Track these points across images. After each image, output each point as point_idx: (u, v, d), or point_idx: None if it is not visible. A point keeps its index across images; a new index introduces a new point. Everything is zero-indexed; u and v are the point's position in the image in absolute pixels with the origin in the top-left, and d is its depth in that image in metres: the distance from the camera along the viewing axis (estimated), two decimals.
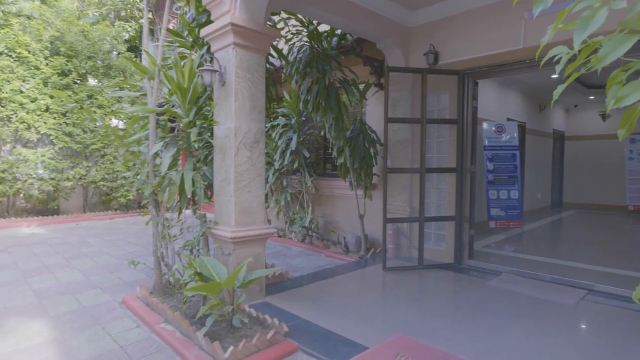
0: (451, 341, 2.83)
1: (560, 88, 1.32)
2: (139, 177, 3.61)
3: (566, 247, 6.06)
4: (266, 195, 6.55)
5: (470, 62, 4.73)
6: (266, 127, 6.34)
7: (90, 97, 9.13)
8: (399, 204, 5.33)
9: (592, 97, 10.07)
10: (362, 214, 5.50)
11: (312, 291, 3.92)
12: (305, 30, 4.88)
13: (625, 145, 9.87)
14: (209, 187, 3.81)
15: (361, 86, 5.41)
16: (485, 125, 6.87)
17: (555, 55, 1.31)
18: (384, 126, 4.58)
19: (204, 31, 3.49)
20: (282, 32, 4.90)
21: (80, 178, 8.89)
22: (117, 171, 9.26)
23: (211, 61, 3.45)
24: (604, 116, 10.57)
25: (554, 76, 7.86)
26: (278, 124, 6.41)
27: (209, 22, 3.74)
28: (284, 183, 6.49)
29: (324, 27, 5.15)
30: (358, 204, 5.50)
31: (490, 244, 6.04)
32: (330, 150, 5.50)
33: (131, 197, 9.65)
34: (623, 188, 10.09)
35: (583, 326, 3.19)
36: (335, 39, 5.15)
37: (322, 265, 5.07)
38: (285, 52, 5.01)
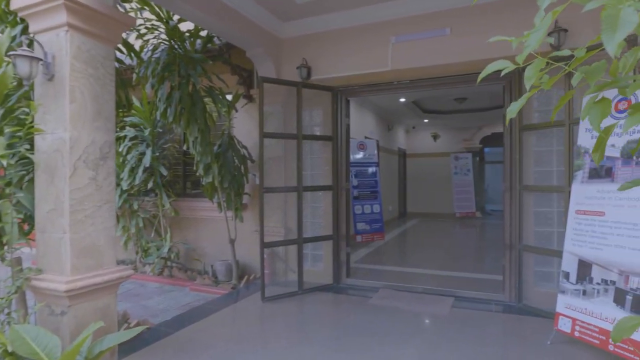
0: None
1: (516, 106, 1.14)
2: None
3: (422, 255, 6.62)
4: None
5: (342, 80, 4.72)
6: None
7: None
8: (273, 225, 4.95)
9: (426, 120, 11.64)
10: (233, 238, 4.92)
11: (180, 343, 3.17)
12: (163, 26, 4.13)
13: (451, 162, 11.67)
14: (28, 219, 2.75)
15: (229, 97, 4.89)
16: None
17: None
18: (259, 141, 4.16)
19: (17, 2, 2.50)
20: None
21: None
22: None
23: (30, 45, 2.49)
24: (435, 137, 12.34)
25: (402, 100, 8.75)
26: (125, 136, 5.34)
27: None
28: (135, 206, 5.42)
29: (187, 26, 4.48)
30: (228, 227, 4.91)
31: (361, 258, 6.17)
32: (194, 167, 4.78)
33: None
34: (451, 198, 11.88)
35: (461, 334, 3.33)
36: (200, 41, 4.53)
37: (189, 303, 4.30)
38: (137, 49, 4.15)
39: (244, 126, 5.35)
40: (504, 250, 4.15)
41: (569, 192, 3.46)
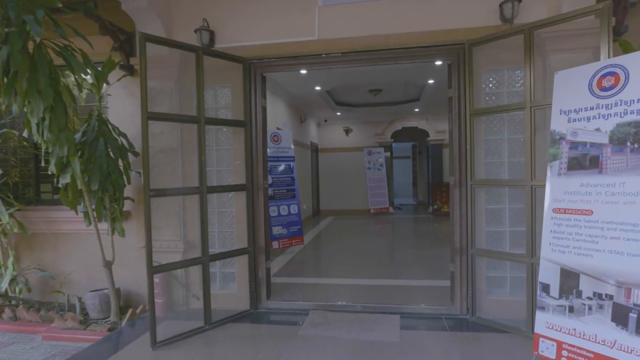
0: None
1: None
2: None
3: (350, 260, 5.90)
4: None
5: (257, 50, 3.71)
6: None
7: None
8: (168, 238, 3.75)
9: (338, 113, 11.12)
10: (110, 260, 3.59)
11: None
12: None
13: (364, 157, 11.35)
14: None
15: (102, 68, 3.53)
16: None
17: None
18: (142, 124, 2.95)
19: None
20: None
21: None
22: None
23: None
24: (347, 131, 11.92)
25: (318, 88, 7.99)
26: None
27: None
28: None
29: None
30: (101, 244, 3.56)
31: (281, 269, 5.23)
32: (43, 163, 3.34)
33: None
34: (365, 194, 11.58)
35: None
36: None
37: None
38: None
39: (123, 108, 3.99)
40: (452, 255, 3.59)
41: (532, 187, 3.00)
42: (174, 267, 3.35)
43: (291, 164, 6.39)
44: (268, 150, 6.03)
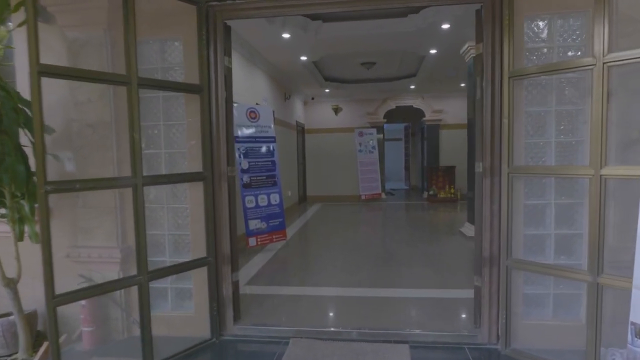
0: None
1: None
2: None
3: (340, 260, 5.02)
4: None
5: None
6: None
7: None
8: (101, 245, 2.79)
9: (327, 90, 10.11)
10: (16, 277, 2.63)
11: None
12: None
13: (355, 138, 10.42)
14: None
15: None
16: (234, 108, 5.10)
17: None
18: (32, 85, 1.95)
19: None
20: None
21: None
22: None
23: None
24: (336, 110, 10.93)
25: (303, 58, 6.97)
26: None
27: None
28: None
29: None
30: None
31: (256, 275, 4.31)
32: None
33: None
34: (356, 179, 10.70)
35: None
36: None
37: None
38: None
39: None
40: (477, 266, 2.72)
41: (602, 178, 2.12)
42: (90, 293, 2.38)
43: (272, 145, 5.43)
44: (244, 129, 5.06)
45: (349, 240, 5.94)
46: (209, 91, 2.78)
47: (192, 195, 2.83)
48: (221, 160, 2.83)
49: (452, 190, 10.09)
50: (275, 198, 5.34)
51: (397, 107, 10.79)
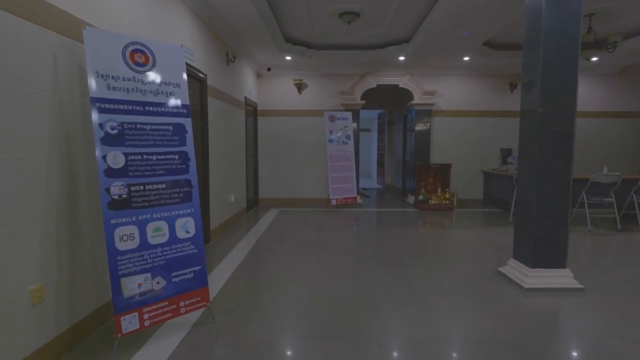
0: None
1: None
2: None
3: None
4: None
5: None
6: None
7: None
8: None
9: (288, 58, 7.49)
10: None
11: None
12: None
13: (324, 125, 7.90)
14: None
15: None
16: (86, 34, 2.37)
17: None
18: None
19: None
20: None
21: None
22: None
23: None
24: (300, 86, 8.33)
25: None
26: None
27: None
28: None
29: None
30: None
31: None
32: None
33: None
34: (325, 178, 8.23)
35: None
36: None
37: None
38: None
39: None
40: None
41: None
42: None
43: (183, 122, 2.78)
44: (115, 83, 2.39)
45: (324, 289, 3.45)
46: None
47: None
48: None
49: (447, 195, 7.88)
50: (188, 225, 2.72)
51: (378, 85, 8.37)
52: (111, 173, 2.36)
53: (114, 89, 2.43)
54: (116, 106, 2.43)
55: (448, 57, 7.38)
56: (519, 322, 2.79)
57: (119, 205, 2.37)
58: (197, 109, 4.83)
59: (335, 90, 8.35)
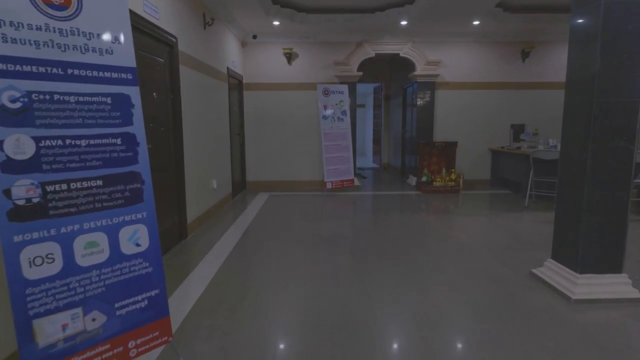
0: None
1: None
2: None
3: None
4: None
5: None
6: None
7: None
8: None
9: (276, 23, 6.60)
10: None
11: None
12: None
13: (318, 99, 7.09)
14: None
15: None
16: None
17: None
18: None
19: None
20: None
21: None
22: None
23: None
24: (290, 56, 7.45)
25: None
26: None
27: None
28: None
29: None
30: None
31: None
32: None
33: None
34: (319, 159, 7.50)
35: None
36: None
37: None
38: None
39: None
40: None
41: None
42: None
43: (129, 94, 2.00)
44: (13, 35, 1.56)
45: (320, 317, 2.79)
46: None
47: None
48: None
49: (453, 176, 7.21)
50: (138, 236, 1.98)
51: (376, 55, 7.53)
52: (12, 167, 1.59)
53: (15, 41, 1.62)
54: (19, 67, 1.63)
55: (456, 20, 6.55)
56: (581, 354, 2.14)
57: (28, 214, 1.62)
58: (167, 79, 3.99)
59: (329, 61, 7.49)
